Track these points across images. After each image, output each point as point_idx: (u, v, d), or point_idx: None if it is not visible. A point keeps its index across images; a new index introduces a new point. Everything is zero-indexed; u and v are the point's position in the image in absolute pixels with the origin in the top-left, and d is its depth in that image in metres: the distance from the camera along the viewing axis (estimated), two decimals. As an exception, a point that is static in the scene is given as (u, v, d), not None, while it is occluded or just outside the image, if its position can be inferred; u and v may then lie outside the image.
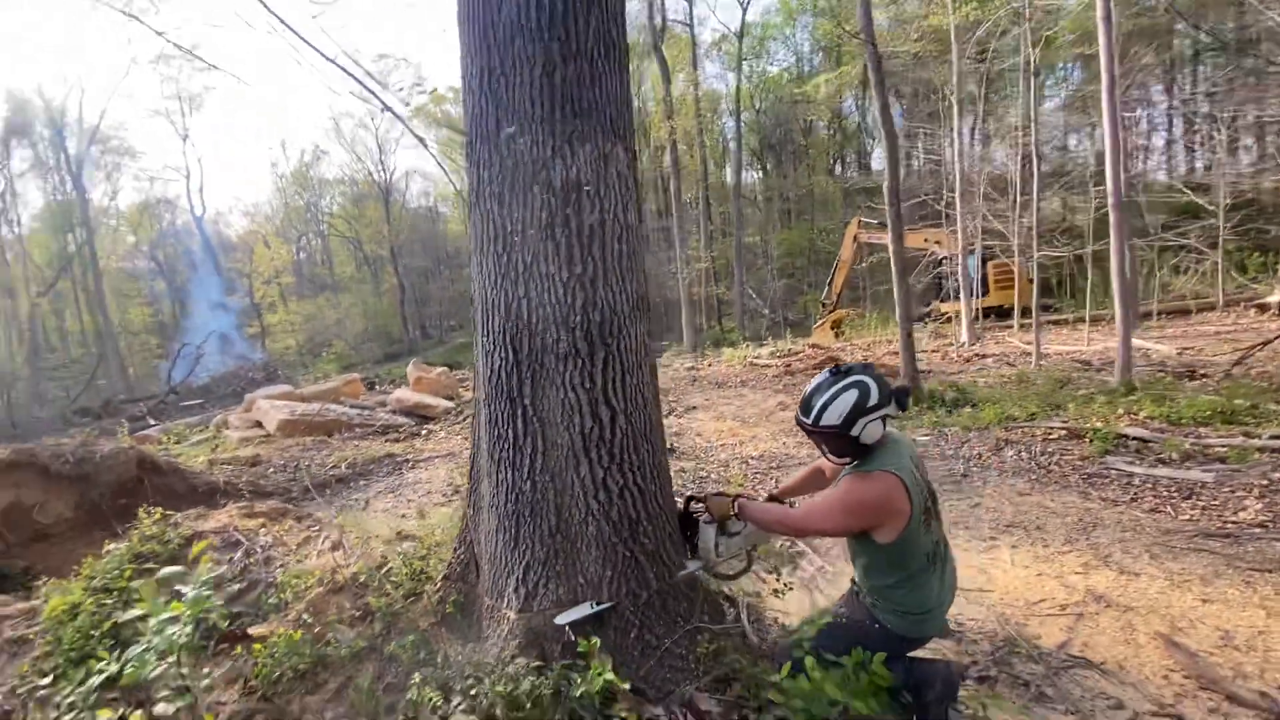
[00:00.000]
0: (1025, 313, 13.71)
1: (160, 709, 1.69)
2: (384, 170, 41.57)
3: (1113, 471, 4.64)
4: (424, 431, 8.74)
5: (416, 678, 1.89)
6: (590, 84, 2.03)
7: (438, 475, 5.96)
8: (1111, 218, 6.63)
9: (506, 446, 2.22)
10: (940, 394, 7.36)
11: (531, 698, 1.86)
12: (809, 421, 1.93)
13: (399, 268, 39.00)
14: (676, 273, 24.73)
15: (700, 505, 2.33)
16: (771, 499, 2.44)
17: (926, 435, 6.29)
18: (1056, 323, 16.18)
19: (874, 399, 1.86)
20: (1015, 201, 13.27)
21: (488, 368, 2.29)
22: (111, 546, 2.55)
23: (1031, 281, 17.51)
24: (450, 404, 10.47)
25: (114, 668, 1.74)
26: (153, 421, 13.99)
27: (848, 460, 1.98)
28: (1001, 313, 17.87)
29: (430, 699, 1.78)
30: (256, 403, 9.86)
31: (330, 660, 2.18)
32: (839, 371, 1.94)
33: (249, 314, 39.88)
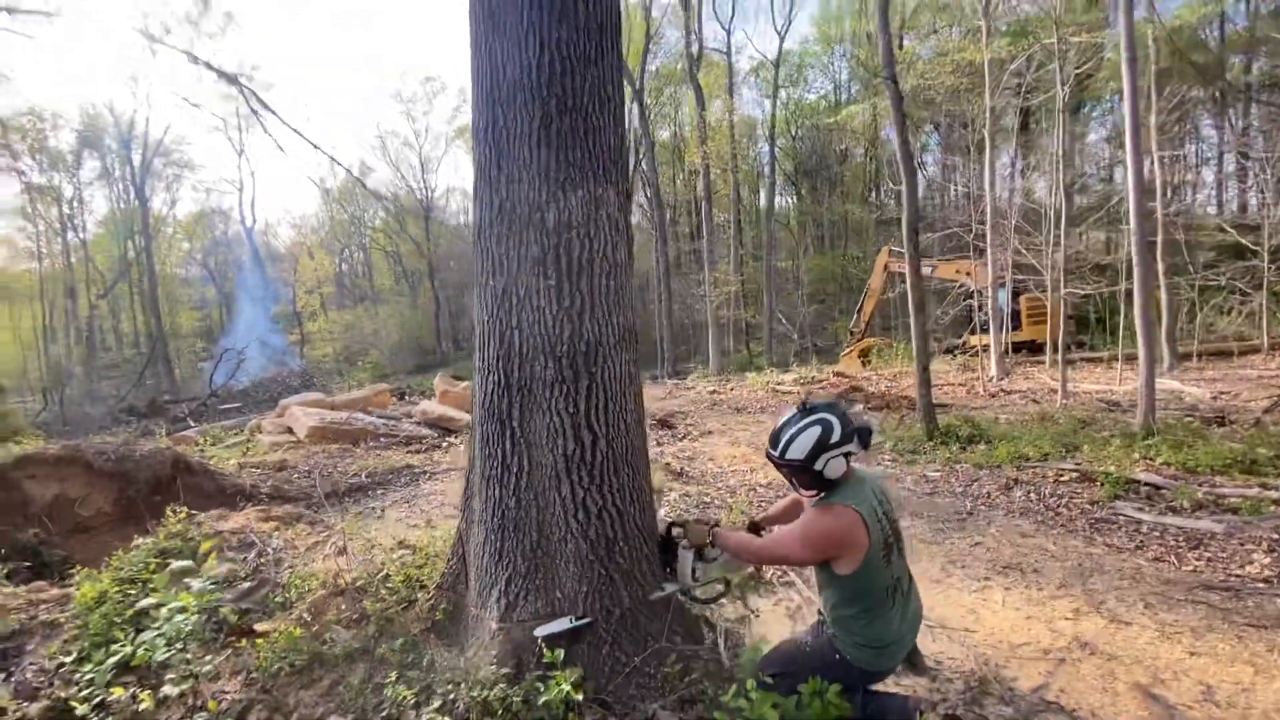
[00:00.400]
0: (1058, 348, 13.45)
1: (167, 690, 1.87)
2: (425, 187, 42.99)
3: (1120, 517, 4.58)
4: (445, 444, 8.99)
5: (393, 676, 2.05)
6: (585, 135, 2.22)
7: (452, 488, 6.16)
8: (1135, 258, 6.56)
9: (495, 465, 2.38)
10: (956, 429, 7.30)
11: (503, 704, 1.99)
12: (776, 455, 2.04)
13: (435, 281, 40.05)
14: (705, 295, 24.92)
15: (680, 531, 2.45)
16: (752, 526, 2.54)
17: (938, 471, 6.26)
18: (1092, 360, 15.78)
19: (836, 436, 1.97)
20: (1049, 236, 13.10)
21: (482, 390, 2.46)
22: (140, 541, 2.79)
23: (1070, 317, 17.13)
24: (472, 418, 10.73)
25: (129, 649, 1.93)
26: (192, 423, 14.61)
27: (814, 493, 2.09)
28: (1034, 348, 17.52)
29: (403, 697, 1.93)
30: (289, 409, 10.27)
31: (326, 658, 2.34)
32: (806, 409, 2.05)
33: (290, 322, 41.35)
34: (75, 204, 36.26)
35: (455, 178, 46.27)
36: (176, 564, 2.21)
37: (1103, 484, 5.04)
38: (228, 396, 22.85)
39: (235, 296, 42.86)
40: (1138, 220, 6.44)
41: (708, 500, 5.43)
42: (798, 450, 1.98)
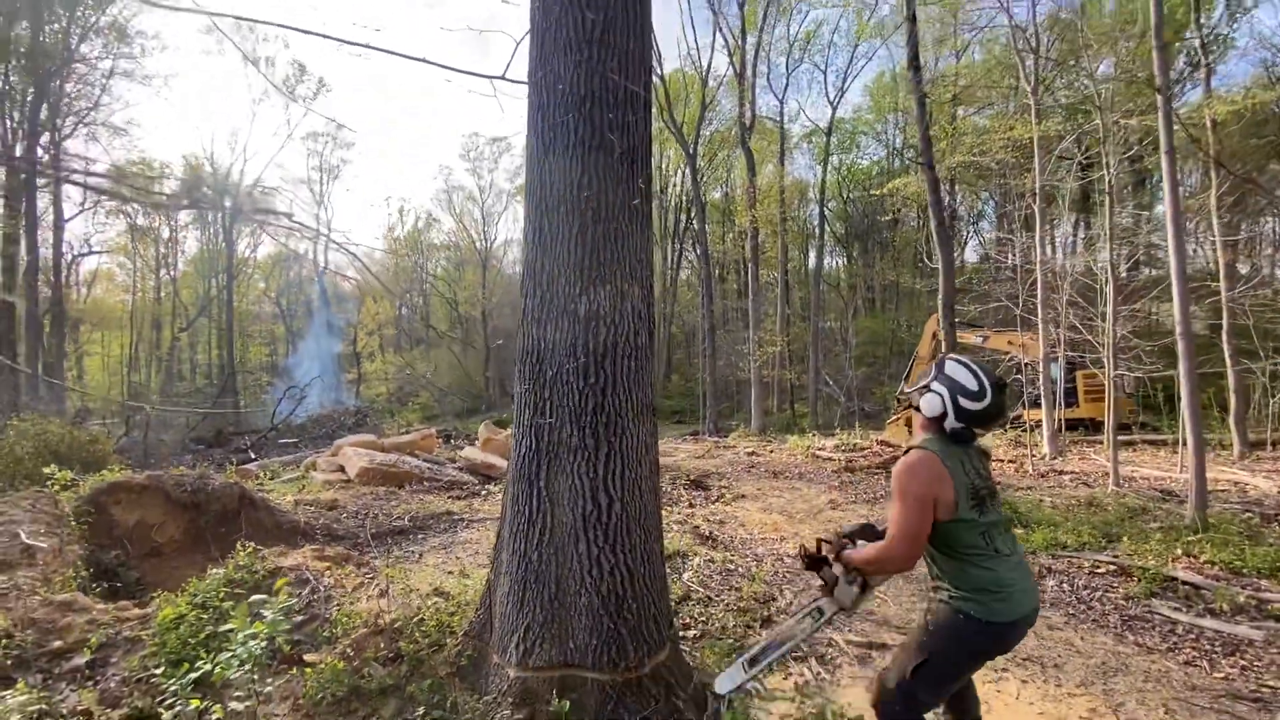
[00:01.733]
0: (1122, 428, 12.89)
1: (232, 706, 2.17)
2: (485, 239, 45.27)
3: (1156, 616, 4.45)
4: (484, 492, 9.32)
5: (420, 712, 2.28)
6: (614, 240, 2.60)
7: (486, 537, 6.43)
8: (1180, 347, 6.49)
9: (523, 521, 2.67)
10: (993, 510, 7.16)
11: (514, 748, 2.20)
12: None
13: (488, 328, 41.66)
14: (749, 353, 25.04)
15: (829, 545, 2.24)
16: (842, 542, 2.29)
17: (970, 552, 6.16)
18: (1154, 443, 15.04)
19: (965, 393, 1.95)
20: (1109, 312, 12.84)
21: (516, 453, 2.78)
22: (213, 571, 3.16)
23: (1130, 395, 16.39)
24: (513, 467, 11.06)
25: (208, 667, 2.25)
26: (253, 456, 15.48)
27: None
28: (1093, 425, 16.85)
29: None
30: (343, 449, 10.86)
31: (363, 691, 2.60)
32: (993, 378, 2.03)
33: (350, 360, 43.43)
34: (170, 244, 39.72)
35: (514, 230, 48.72)
36: (255, 597, 2.54)
37: (1139, 579, 4.91)
38: (286, 430, 24.03)
39: (302, 334, 45.43)
40: (1182, 312, 6.40)
41: (732, 568, 5.51)
42: (942, 369, 2.03)
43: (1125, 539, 5.93)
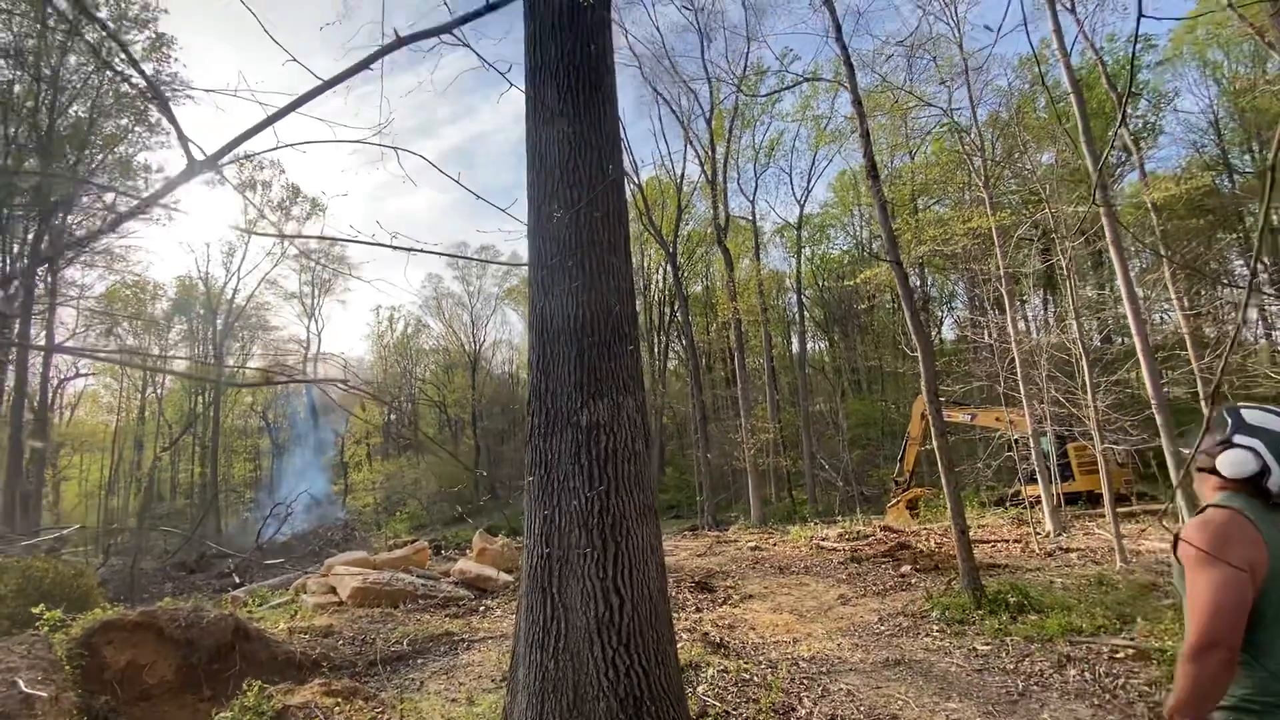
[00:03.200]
0: (1120, 500, 12.83)
1: None
2: (474, 341, 46.03)
3: (1181, 701, 4.34)
4: (482, 608, 9.02)
5: None
6: (608, 360, 2.88)
7: (489, 658, 6.19)
8: (1158, 419, 6.72)
9: (537, 630, 2.70)
10: (1004, 596, 7.05)
11: None
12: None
13: (478, 430, 41.43)
14: (742, 442, 24.97)
15: None
16: None
17: (987, 645, 6.02)
18: (1154, 512, 14.92)
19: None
20: (1088, 384, 13.19)
21: (528, 563, 2.85)
22: (220, 716, 3.05)
23: (1122, 465, 16.42)
24: (510, 577, 10.76)
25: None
26: (238, 579, 14.88)
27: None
28: (1092, 498, 16.79)
29: None
30: (335, 568, 10.53)
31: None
32: None
33: (336, 471, 42.58)
34: (160, 361, 39.72)
35: (504, 331, 49.67)
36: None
37: (1159, 663, 4.82)
38: (270, 549, 23.13)
39: (288, 448, 44.76)
40: (1154, 386, 6.68)
41: (747, 676, 5.33)
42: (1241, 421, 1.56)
43: (1139, 619, 5.85)
